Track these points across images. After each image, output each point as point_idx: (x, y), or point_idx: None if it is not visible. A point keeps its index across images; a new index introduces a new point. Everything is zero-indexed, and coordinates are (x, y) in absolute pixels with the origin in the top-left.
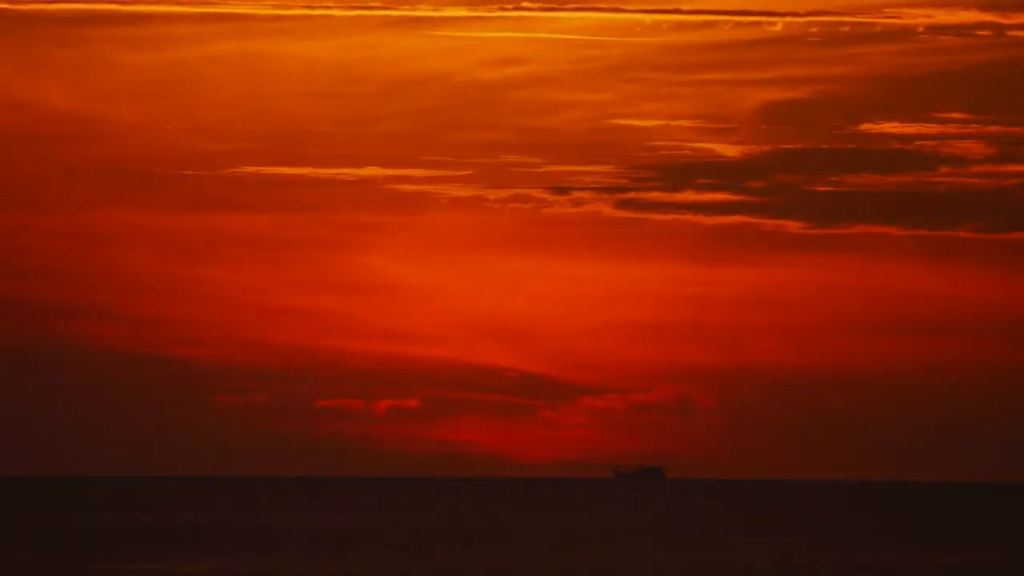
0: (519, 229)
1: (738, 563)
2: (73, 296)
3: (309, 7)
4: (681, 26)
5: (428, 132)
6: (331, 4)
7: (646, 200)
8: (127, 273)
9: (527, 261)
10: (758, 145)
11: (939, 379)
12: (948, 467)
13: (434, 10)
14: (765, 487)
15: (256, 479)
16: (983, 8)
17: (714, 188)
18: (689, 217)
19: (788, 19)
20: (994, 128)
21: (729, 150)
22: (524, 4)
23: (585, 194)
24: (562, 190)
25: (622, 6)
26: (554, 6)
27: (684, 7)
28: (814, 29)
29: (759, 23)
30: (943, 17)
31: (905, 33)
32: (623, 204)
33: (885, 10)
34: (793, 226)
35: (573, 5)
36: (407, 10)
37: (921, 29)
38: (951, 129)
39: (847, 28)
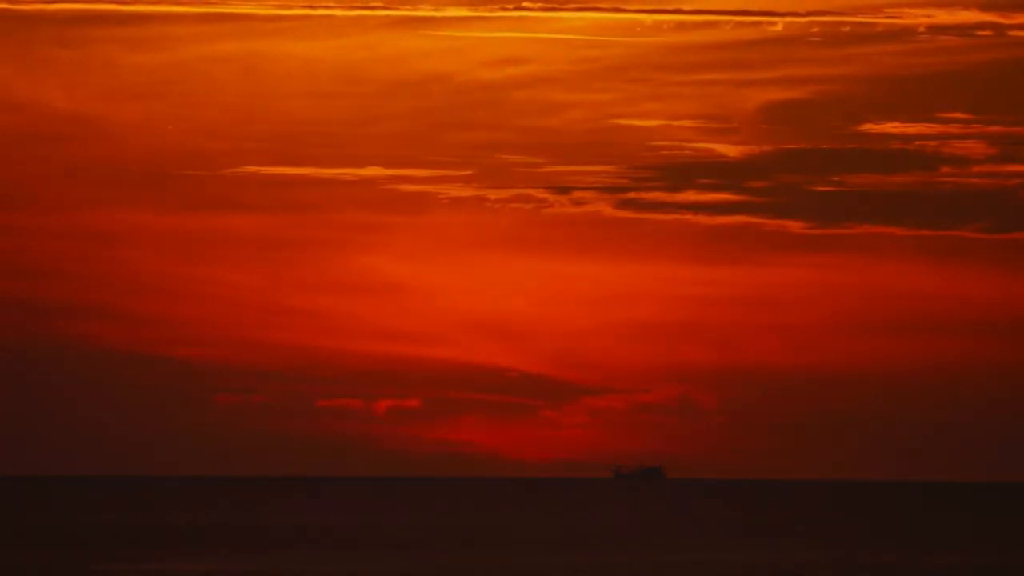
0: (520, 229)
1: (738, 563)
2: (73, 296)
3: (310, 7)
4: (682, 26)
5: (429, 132)
6: (332, 4)
7: (647, 200)
8: (127, 273)
9: (528, 261)
10: (759, 145)
11: (939, 379)
12: (948, 467)
13: (435, 10)
14: (765, 487)
15: (256, 479)
16: (984, 8)
17: (715, 188)
18: (690, 217)
19: (789, 19)
20: (995, 128)
21: (730, 150)
22: (525, 4)
23: (586, 194)
24: (563, 190)
25: (623, 6)
26: (555, 6)
27: (685, 7)
28: (815, 29)
29: (760, 23)
30: (944, 17)
31: (906, 33)
32: (624, 204)
33: (886, 10)
34: (794, 226)
35: (574, 5)
36: (408, 10)
37: (922, 29)
38: (952, 129)
39: (848, 28)
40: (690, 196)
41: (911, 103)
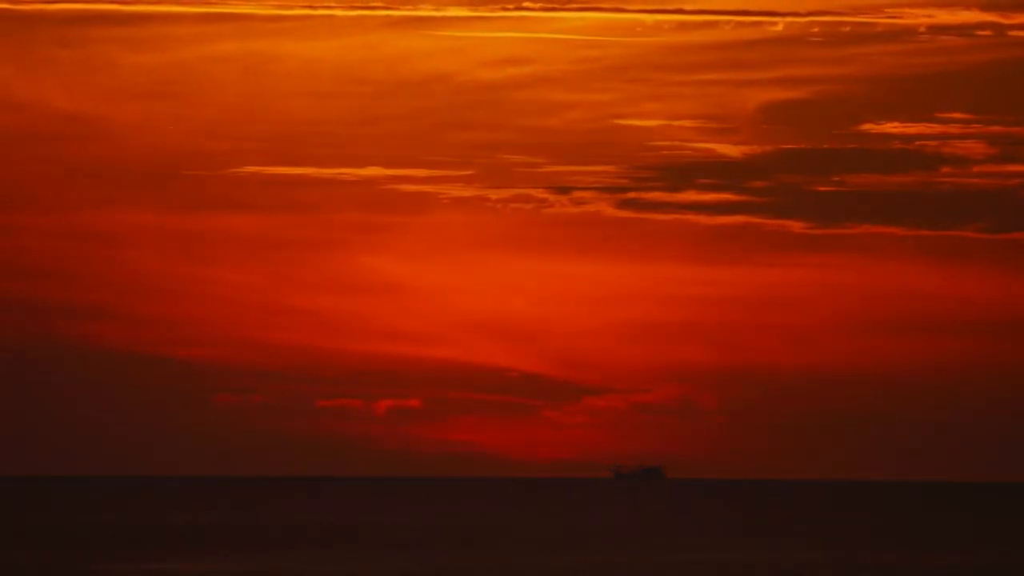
0: (520, 229)
1: (738, 563)
2: (73, 296)
3: (310, 7)
4: (682, 26)
5: (429, 132)
6: (332, 4)
7: (647, 200)
8: (127, 273)
9: (528, 261)
10: (759, 145)
11: (939, 379)
12: (948, 467)
13: (435, 10)
14: (765, 487)
15: (256, 479)
16: (984, 8)
17: (715, 188)
18: (690, 217)
19: (789, 19)
20: (996, 128)
21: (730, 150)
22: (525, 4)
23: (586, 194)
24: (563, 190)
25: (623, 6)
26: (555, 6)
27: (686, 7)
28: (815, 29)
29: (760, 23)
30: (944, 17)
31: (906, 33)
32: (624, 204)
33: (886, 10)
34: (795, 226)
35: (574, 5)
36: (408, 10)
37: (922, 29)
38: (953, 129)
39: (848, 28)
40: (690, 196)
41: (911, 103)
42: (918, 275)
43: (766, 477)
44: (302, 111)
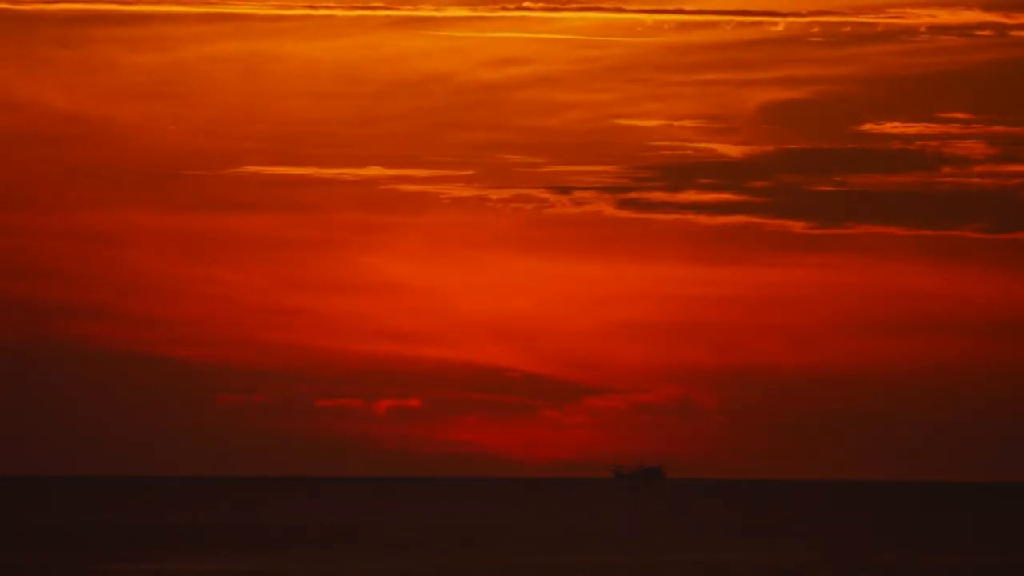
0: (521, 229)
1: (738, 563)
2: (73, 296)
3: (311, 7)
4: (683, 26)
5: (430, 132)
6: (333, 4)
7: (648, 200)
8: (127, 273)
9: (529, 261)
10: (760, 145)
11: (939, 379)
12: (948, 467)
13: (436, 10)
14: (765, 487)
15: (256, 479)
16: (985, 8)
17: (716, 188)
18: (691, 217)
19: (790, 19)
20: (996, 128)
21: (731, 150)
22: (526, 4)
23: (587, 194)
24: (564, 190)
25: (624, 6)
26: (556, 6)
27: (686, 7)
28: (816, 29)
29: (761, 23)
30: (945, 17)
31: (907, 33)
32: (625, 204)
33: (887, 10)
34: (795, 226)
35: (575, 5)
36: (409, 10)
37: (923, 29)
38: (953, 129)
39: (849, 28)
40: (691, 196)
41: (912, 103)
42: (918, 275)
43: (766, 477)
44: (302, 111)
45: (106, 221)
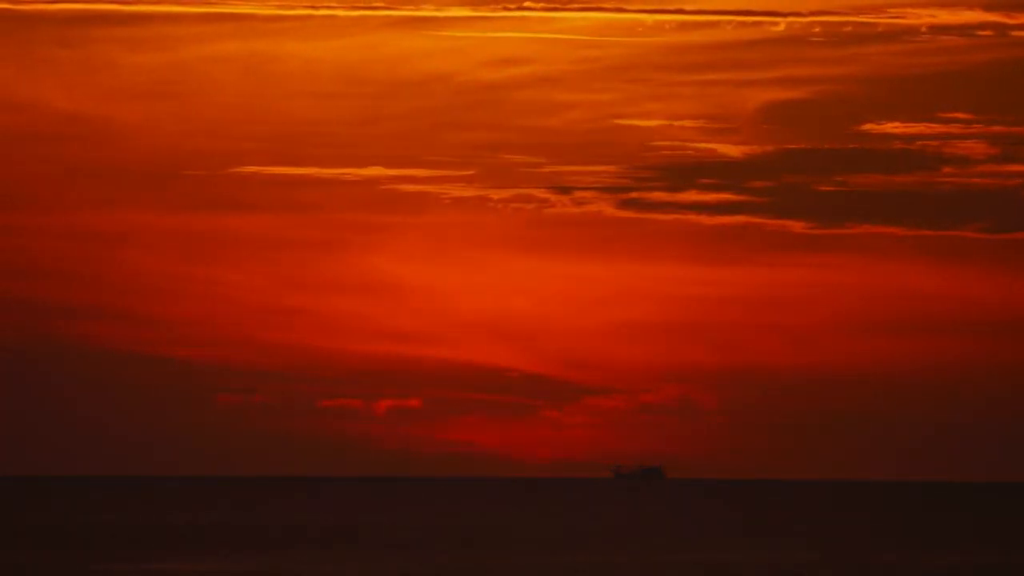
0: (521, 229)
1: (738, 563)
2: (73, 296)
3: (312, 7)
4: (683, 26)
5: (430, 132)
6: (334, 4)
7: (648, 200)
8: (127, 273)
9: (529, 261)
10: (760, 145)
11: (939, 379)
12: (948, 467)
13: (436, 10)
14: (765, 487)
15: (256, 479)
16: (986, 8)
17: (717, 188)
18: (692, 217)
19: (791, 19)
20: (997, 128)
21: (732, 150)
22: (526, 4)
23: (587, 194)
24: (564, 190)
25: (624, 6)
26: (556, 6)
27: (687, 7)
28: (817, 29)
29: (762, 23)
30: (946, 17)
31: (908, 33)
32: (625, 204)
33: (888, 10)
34: (796, 226)
35: (575, 5)
36: (410, 10)
37: (924, 29)
38: (954, 129)
39: (850, 28)
40: (691, 196)
41: (912, 103)
42: (919, 275)
43: (766, 477)
44: (303, 111)
45: (106, 221)
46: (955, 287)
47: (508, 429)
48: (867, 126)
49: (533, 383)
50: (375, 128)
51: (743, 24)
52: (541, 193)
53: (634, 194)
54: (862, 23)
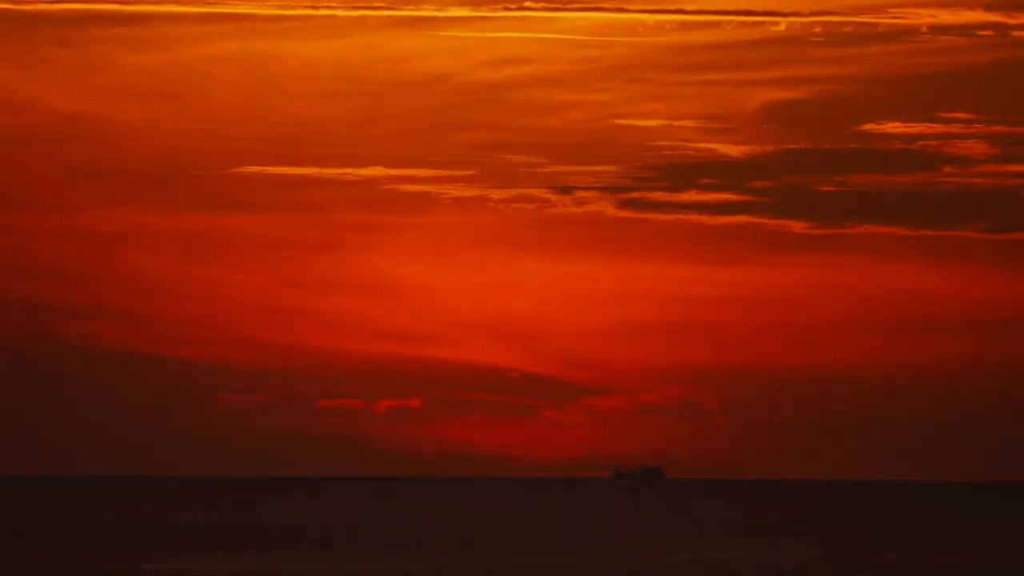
0: (522, 229)
1: (738, 563)
2: (73, 296)
3: (312, 7)
4: (684, 26)
5: (431, 132)
6: (334, 4)
7: (649, 200)
8: (128, 273)
9: (530, 261)
10: (761, 145)
11: (939, 379)
12: (948, 467)
13: (437, 10)
14: (765, 487)
15: (256, 479)
16: (987, 8)
17: (717, 188)
18: (692, 217)
19: (791, 19)
20: (997, 128)
21: (732, 150)
22: (527, 4)
23: (588, 194)
24: (565, 190)
25: (625, 6)
26: (557, 6)
27: (687, 7)
28: (817, 29)
29: (762, 23)
30: (946, 17)
31: (908, 33)
32: (626, 204)
33: (888, 10)
34: (797, 226)
35: (576, 5)
36: (410, 10)
37: (924, 29)
38: (954, 129)
39: (850, 28)
40: (692, 196)
41: (913, 103)
42: (919, 275)
43: (766, 477)
44: (303, 111)
45: (106, 221)
46: (955, 287)
47: (508, 429)
48: (867, 126)
49: (533, 383)
50: (375, 128)
51: (744, 24)
52: (542, 193)
53: (635, 194)
54: (862, 23)
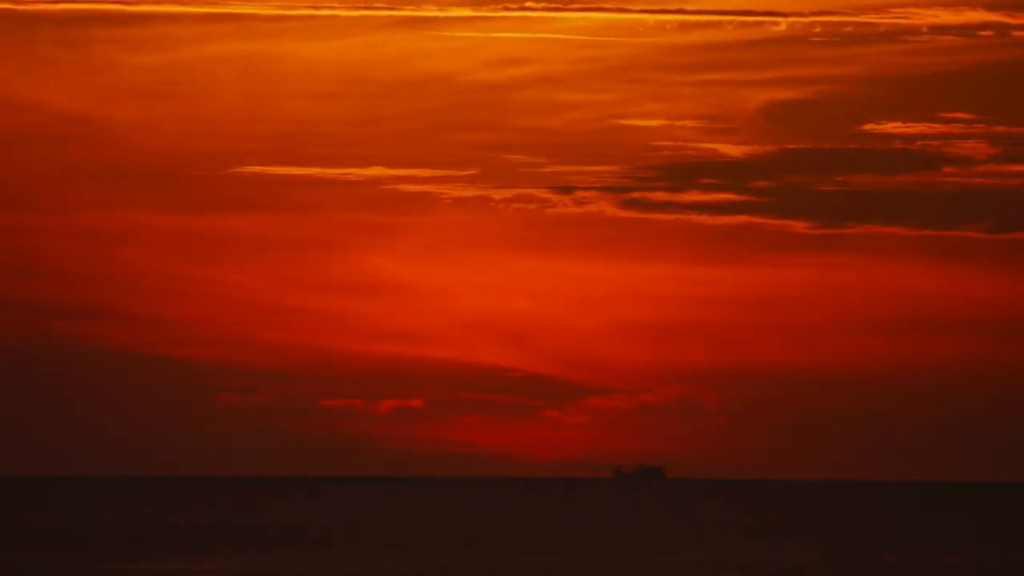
0: (523, 229)
1: (738, 563)
2: (73, 296)
3: (313, 7)
4: (684, 26)
5: (431, 132)
6: (335, 4)
7: (650, 200)
8: (128, 273)
9: (530, 261)
10: (762, 145)
11: (939, 379)
12: (948, 467)
13: (438, 10)
14: (765, 487)
15: (256, 479)
16: (987, 8)
17: (718, 188)
18: (693, 217)
19: (792, 19)
20: (998, 128)
21: (733, 150)
22: (528, 4)
23: (589, 194)
24: (566, 190)
25: (625, 6)
26: (557, 6)
27: (688, 7)
28: (818, 29)
29: (763, 23)
30: (947, 17)
31: (909, 33)
32: (627, 204)
33: (889, 10)
34: (797, 226)
35: (576, 5)
36: (411, 10)
37: (925, 29)
38: (955, 129)
39: (851, 28)
40: (693, 196)
41: (913, 103)
42: (919, 275)
43: (766, 477)
44: (304, 111)
45: (106, 221)
46: (955, 287)
47: (508, 429)
48: (868, 126)
49: (534, 383)
50: (376, 128)
51: (744, 24)
52: (542, 193)
53: (635, 194)
54: (863, 23)
